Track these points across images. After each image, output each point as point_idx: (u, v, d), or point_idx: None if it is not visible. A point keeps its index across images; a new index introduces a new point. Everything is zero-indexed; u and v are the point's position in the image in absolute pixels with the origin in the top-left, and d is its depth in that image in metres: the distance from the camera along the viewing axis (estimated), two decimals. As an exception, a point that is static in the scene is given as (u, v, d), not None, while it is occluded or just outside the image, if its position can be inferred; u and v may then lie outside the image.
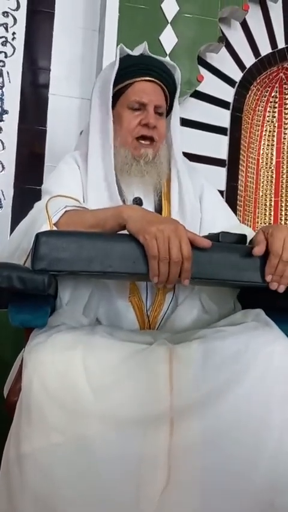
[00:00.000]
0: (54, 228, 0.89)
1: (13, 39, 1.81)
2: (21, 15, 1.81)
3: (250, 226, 2.11)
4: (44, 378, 0.78)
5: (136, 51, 1.12)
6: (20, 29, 1.81)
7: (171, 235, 0.79)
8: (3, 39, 1.80)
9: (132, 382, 0.79)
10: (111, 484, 0.74)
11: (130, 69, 1.07)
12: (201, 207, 1.11)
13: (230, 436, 0.75)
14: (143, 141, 1.07)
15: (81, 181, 1.08)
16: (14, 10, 1.81)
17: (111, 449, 0.75)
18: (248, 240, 0.93)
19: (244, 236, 0.90)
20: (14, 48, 1.81)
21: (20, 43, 1.80)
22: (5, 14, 1.80)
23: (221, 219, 1.11)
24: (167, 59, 1.13)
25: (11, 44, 1.81)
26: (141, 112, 1.07)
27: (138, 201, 1.05)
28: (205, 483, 0.75)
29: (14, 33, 1.81)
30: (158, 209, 1.08)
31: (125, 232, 0.85)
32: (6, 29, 1.80)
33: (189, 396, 0.76)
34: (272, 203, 2.21)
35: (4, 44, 1.80)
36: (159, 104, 1.08)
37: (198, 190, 1.13)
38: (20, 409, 0.79)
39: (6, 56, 1.80)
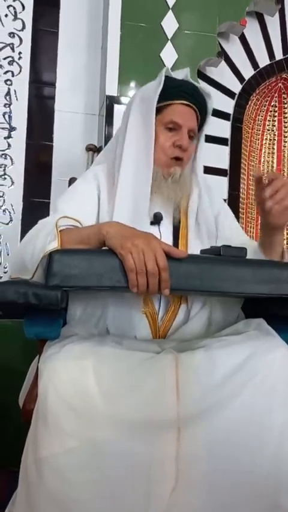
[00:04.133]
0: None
1: (19, 58, 1.87)
2: (27, 35, 1.88)
3: (253, 233, 2.16)
4: (58, 387, 0.82)
5: (178, 75, 1.17)
6: (26, 48, 1.87)
7: (146, 249, 0.84)
8: (10, 58, 1.87)
9: (140, 389, 0.82)
10: (122, 485, 0.78)
11: (170, 90, 1.12)
12: (217, 225, 1.18)
13: (234, 441, 0.79)
14: (175, 160, 1.12)
15: (97, 200, 1.11)
16: (19, 30, 1.88)
17: (122, 452, 0.78)
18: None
19: (244, 249, 0.95)
20: (21, 67, 1.87)
21: (26, 62, 1.87)
22: (11, 34, 1.87)
23: (234, 237, 1.17)
24: (203, 86, 1.21)
25: (18, 63, 1.87)
26: (176, 133, 1.12)
27: (158, 216, 1.10)
28: (211, 486, 0.79)
29: (20, 53, 1.87)
30: (177, 225, 1.13)
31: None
32: (13, 49, 1.87)
33: (195, 405, 0.80)
34: (274, 210, 2.25)
35: (11, 63, 1.87)
36: (192, 127, 1.13)
37: (216, 209, 1.20)
38: (37, 416, 0.83)
39: (13, 75, 1.87)
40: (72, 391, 0.82)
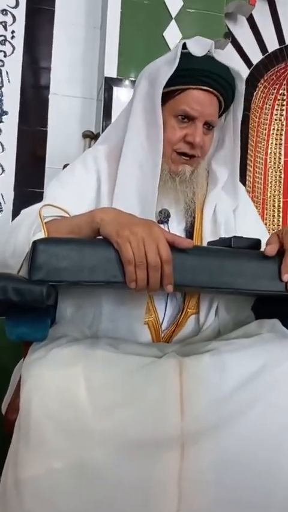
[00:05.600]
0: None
1: (12, 37, 1.76)
2: (21, 13, 1.77)
3: (258, 228, 2.05)
4: (43, 397, 0.72)
5: (200, 49, 0.93)
6: (20, 27, 1.77)
7: (146, 238, 0.72)
8: (2, 37, 1.76)
9: (138, 400, 0.72)
10: (116, 511, 0.68)
11: (188, 72, 0.92)
12: (235, 219, 1.03)
13: (245, 462, 0.69)
14: (183, 157, 0.96)
15: (95, 185, 0.97)
16: (13, 8, 1.77)
17: (117, 474, 0.69)
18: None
19: (258, 241, 0.84)
20: (14, 47, 1.76)
21: (19, 42, 1.77)
22: (4, 12, 1.76)
23: (253, 235, 1.03)
24: (232, 67, 0.96)
25: (10, 43, 1.76)
26: (189, 125, 0.94)
27: (165, 214, 0.96)
28: None
29: (13, 32, 1.76)
30: (190, 223, 1.00)
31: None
32: (5, 28, 1.76)
33: (202, 419, 0.70)
34: (281, 204, 2.15)
35: (3, 42, 1.76)
36: (210, 119, 0.95)
37: (235, 203, 1.05)
38: (19, 429, 0.73)
39: (5, 55, 1.76)
40: (59, 402, 0.72)
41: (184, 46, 0.93)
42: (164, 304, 0.94)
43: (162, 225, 0.96)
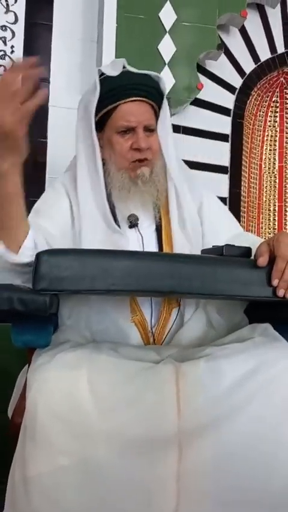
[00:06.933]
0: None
1: (12, 52, 1.81)
2: (20, 28, 1.81)
3: (254, 233, 2.10)
4: (49, 400, 0.76)
5: (114, 70, 1.04)
6: (19, 42, 1.81)
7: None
8: (2, 52, 1.80)
9: (138, 402, 0.77)
10: (119, 508, 0.73)
11: (112, 92, 1.02)
12: (201, 219, 1.08)
13: (241, 459, 0.73)
14: (138, 163, 1.04)
15: (69, 206, 1.05)
16: (12, 24, 1.81)
17: (118, 472, 0.73)
18: (254, 251, 0.91)
19: (249, 249, 0.89)
20: (13, 62, 1.80)
21: (18, 56, 1.80)
22: (3, 27, 1.81)
23: (223, 229, 1.08)
24: (148, 71, 1.06)
25: (10, 58, 1.80)
26: (131, 135, 1.04)
27: (133, 218, 1.03)
28: (217, 504, 0.73)
29: (12, 47, 1.80)
30: (158, 223, 1.06)
31: None
32: (5, 43, 1.80)
33: (198, 419, 0.74)
34: (276, 208, 2.19)
35: (3, 57, 1.80)
36: (148, 123, 1.04)
37: (197, 202, 1.10)
38: (25, 430, 0.77)
39: (5, 70, 1.80)
40: (64, 404, 0.76)
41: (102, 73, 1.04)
42: (150, 305, 1.00)
43: (133, 229, 1.04)
